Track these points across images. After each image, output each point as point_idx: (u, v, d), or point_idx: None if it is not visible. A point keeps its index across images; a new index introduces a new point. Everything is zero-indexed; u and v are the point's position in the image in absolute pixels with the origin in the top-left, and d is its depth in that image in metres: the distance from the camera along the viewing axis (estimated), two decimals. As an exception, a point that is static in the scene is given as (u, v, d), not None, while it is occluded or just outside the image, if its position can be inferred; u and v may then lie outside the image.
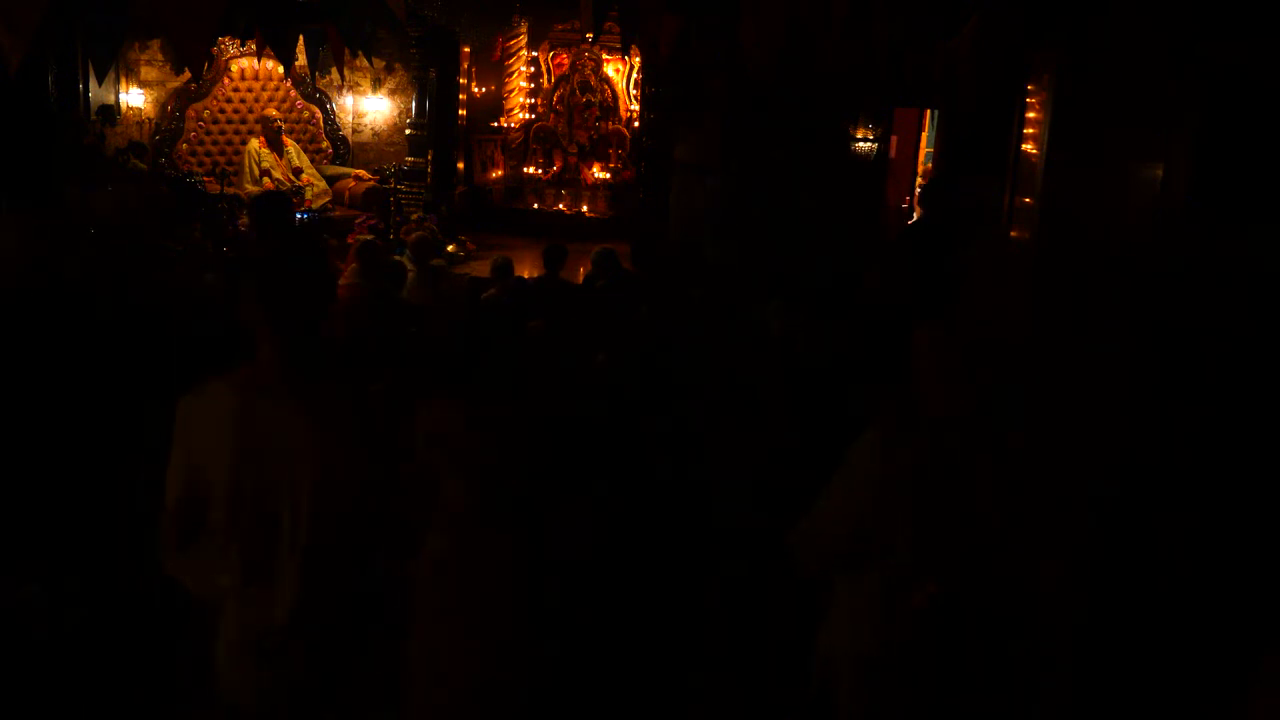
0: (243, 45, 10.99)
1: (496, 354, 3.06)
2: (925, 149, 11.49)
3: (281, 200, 5.85)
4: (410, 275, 7.08)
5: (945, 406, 2.47)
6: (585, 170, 12.49)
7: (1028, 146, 6.50)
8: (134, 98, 11.17)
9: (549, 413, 3.05)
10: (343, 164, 12.11)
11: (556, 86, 12.67)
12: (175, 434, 2.27)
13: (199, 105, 11.54)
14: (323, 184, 11.50)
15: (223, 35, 9.91)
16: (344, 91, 12.38)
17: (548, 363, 4.39)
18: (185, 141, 11.49)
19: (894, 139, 9.97)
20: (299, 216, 10.16)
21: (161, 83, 11.51)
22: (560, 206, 12.27)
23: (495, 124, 12.60)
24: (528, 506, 2.72)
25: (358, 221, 10.84)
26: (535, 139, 12.58)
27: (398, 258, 7.56)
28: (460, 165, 11.98)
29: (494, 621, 2.67)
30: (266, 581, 2.28)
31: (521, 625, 2.68)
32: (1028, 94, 6.53)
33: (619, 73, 12.59)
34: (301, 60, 9.31)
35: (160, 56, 11.38)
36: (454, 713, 2.68)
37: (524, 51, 12.57)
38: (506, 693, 2.68)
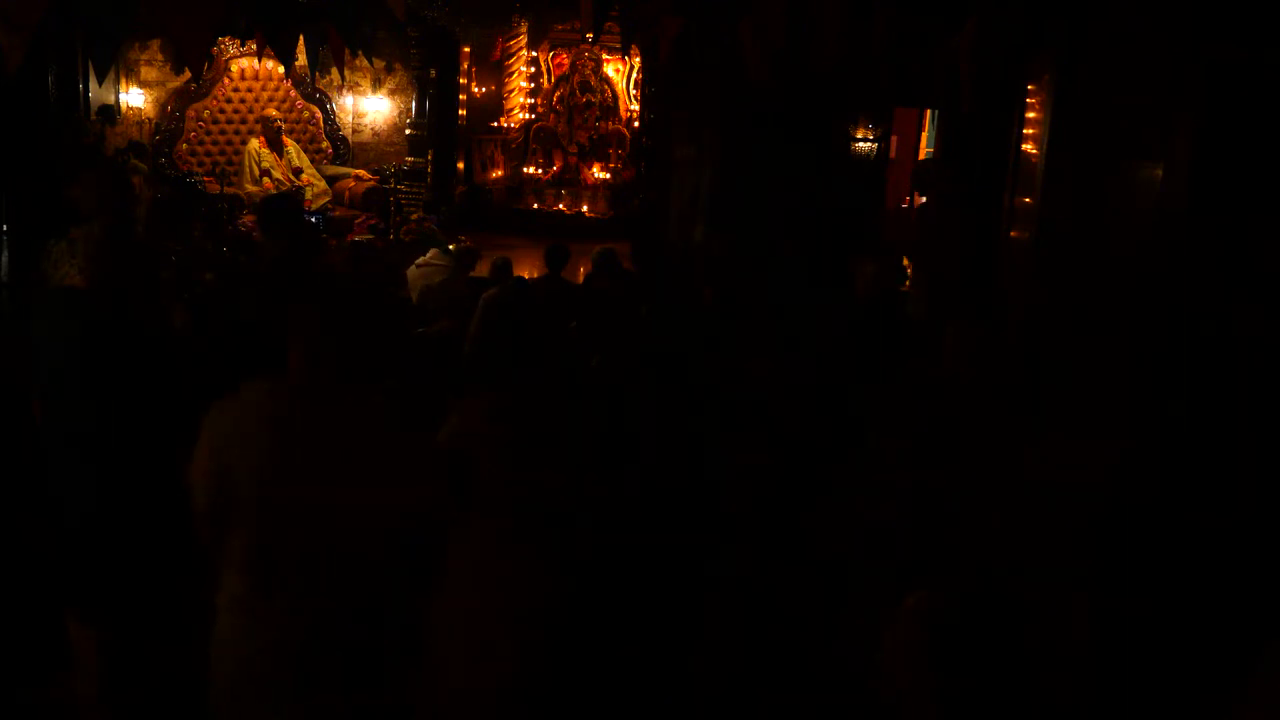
0: (243, 45, 10.98)
1: (528, 351, 3.07)
2: (925, 149, 11.50)
3: (290, 201, 5.84)
4: (438, 277, 7.12)
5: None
6: (585, 170, 12.50)
7: (1028, 146, 6.50)
8: (134, 98, 11.17)
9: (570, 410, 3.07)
10: (343, 164, 12.11)
11: (556, 86, 12.67)
12: (201, 438, 2.25)
13: (199, 105, 11.54)
14: (323, 184, 11.50)
15: (223, 35, 9.90)
16: (344, 91, 12.37)
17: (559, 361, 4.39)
18: (185, 141, 11.49)
19: (894, 139, 9.98)
20: (311, 219, 10.16)
21: (161, 83, 11.51)
22: (560, 206, 12.27)
23: (495, 124, 12.60)
24: (559, 503, 2.74)
25: (358, 221, 10.84)
26: (535, 139, 12.58)
27: (440, 258, 7.53)
28: (460, 165, 11.98)
29: (523, 622, 2.68)
30: (280, 594, 2.22)
31: (550, 624, 2.70)
32: (1028, 94, 6.54)
33: (619, 73, 12.59)
34: (301, 60, 9.32)
35: (160, 56, 11.38)
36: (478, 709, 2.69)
37: (524, 51, 12.57)
38: (532, 689, 2.69)
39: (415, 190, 10.87)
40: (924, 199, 7.51)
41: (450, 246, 8.03)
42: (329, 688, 2.24)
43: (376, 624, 2.29)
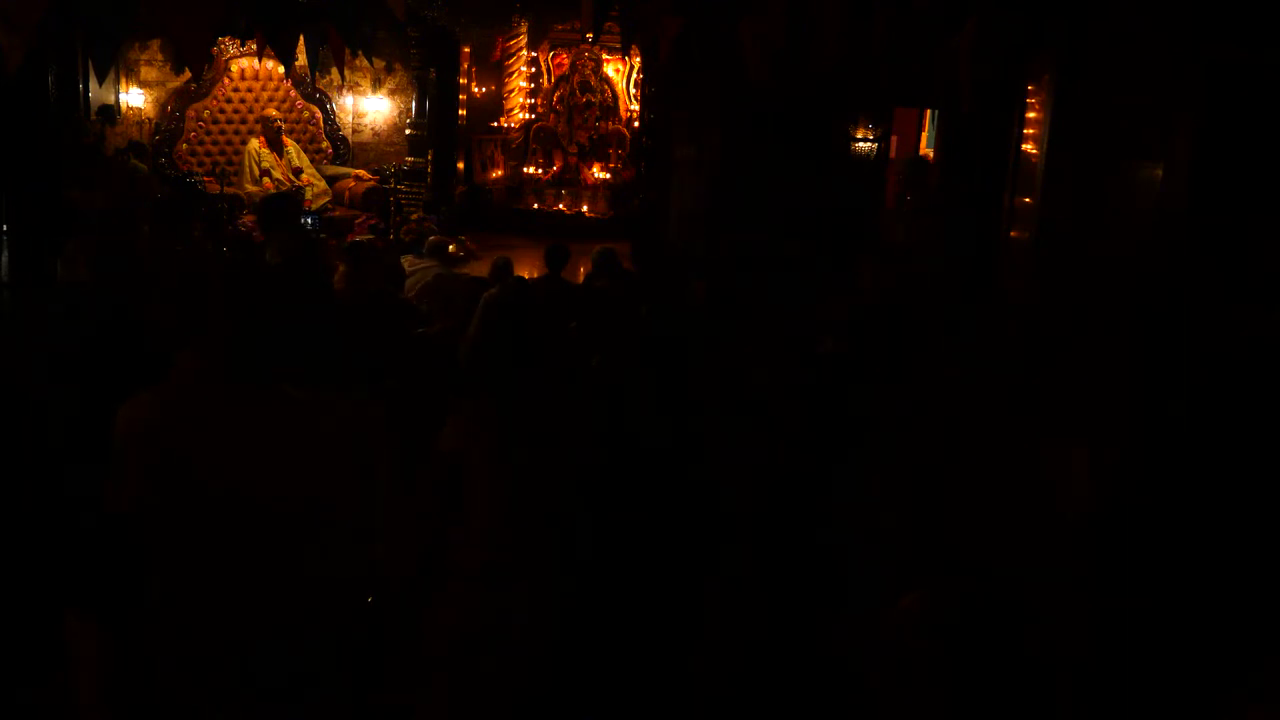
0: (243, 45, 10.99)
1: (528, 351, 3.06)
2: (925, 149, 11.50)
3: (290, 201, 5.83)
4: (431, 275, 7.07)
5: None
6: (585, 170, 12.50)
7: (1028, 146, 6.51)
8: (134, 98, 11.17)
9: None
10: (343, 164, 12.11)
11: (556, 86, 12.68)
12: (115, 443, 2.19)
13: (199, 105, 11.55)
14: (323, 184, 11.51)
15: (223, 35, 9.91)
16: (344, 91, 12.38)
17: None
18: (185, 141, 11.49)
19: (894, 139, 9.98)
20: (306, 220, 10.15)
21: (161, 83, 11.51)
22: (560, 206, 12.27)
23: (495, 124, 12.60)
24: (559, 503, 2.74)
25: (358, 221, 10.85)
26: (535, 139, 12.58)
27: (420, 261, 7.49)
28: (460, 165, 11.99)
29: (523, 623, 2.69)
30: (192, 595, 2.16)
31: (549, 625, 2.70)
32: (1028, 94, 6.54)
33: (619, 73, 12.60)
34: (301, 60, 9.33)
35: (160, 56, 11.39)
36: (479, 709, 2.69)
37: (524, 51, 12.58)
38: (532, 690, 2.70)
39: (415, 190, 10.88)
40: (909, 197, 7.53)
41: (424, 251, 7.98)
42: (282, 695, 2.15)
43: (341, 627, 2.19)
